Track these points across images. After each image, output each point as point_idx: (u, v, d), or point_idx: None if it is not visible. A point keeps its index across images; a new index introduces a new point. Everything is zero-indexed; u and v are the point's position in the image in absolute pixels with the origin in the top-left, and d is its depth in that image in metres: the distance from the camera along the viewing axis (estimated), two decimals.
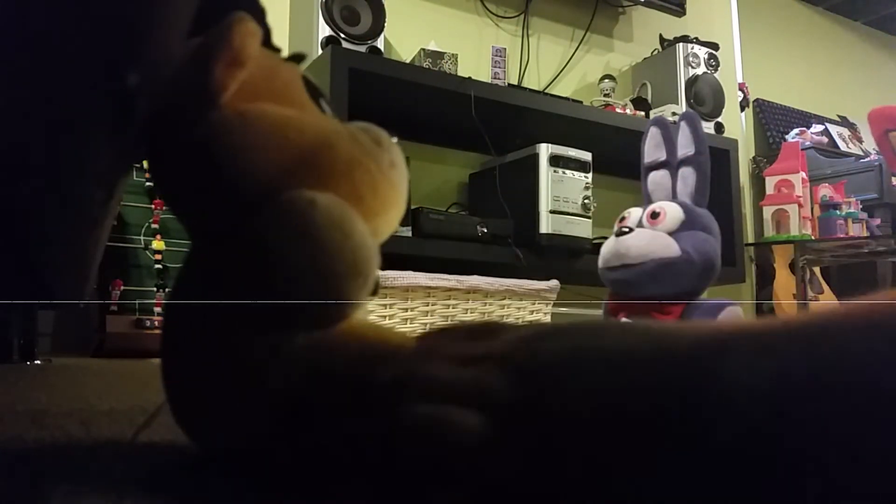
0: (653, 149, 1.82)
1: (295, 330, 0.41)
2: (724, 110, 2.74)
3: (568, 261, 2.16)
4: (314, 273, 0.40)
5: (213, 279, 0.44)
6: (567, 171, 2.13)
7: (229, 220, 0.43)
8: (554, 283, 1.86)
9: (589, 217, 2.17)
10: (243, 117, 0.43)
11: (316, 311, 0.41)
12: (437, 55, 2.20)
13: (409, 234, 1.92)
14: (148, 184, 1.86)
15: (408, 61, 2.26)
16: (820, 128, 3.64)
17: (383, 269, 0.63)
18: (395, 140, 0.50)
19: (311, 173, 0.43)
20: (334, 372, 0.39)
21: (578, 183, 2.15)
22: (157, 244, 1.79)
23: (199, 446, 0.46)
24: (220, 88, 0.42)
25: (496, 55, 2.43)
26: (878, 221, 3.07)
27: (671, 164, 1.77)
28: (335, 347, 0.40)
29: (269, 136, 0.43)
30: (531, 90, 2.42)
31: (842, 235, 2.89)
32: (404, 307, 1.60)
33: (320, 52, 1.95)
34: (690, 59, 2.69)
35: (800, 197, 2.87)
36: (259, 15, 0.54)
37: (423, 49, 2.20)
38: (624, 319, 1.60)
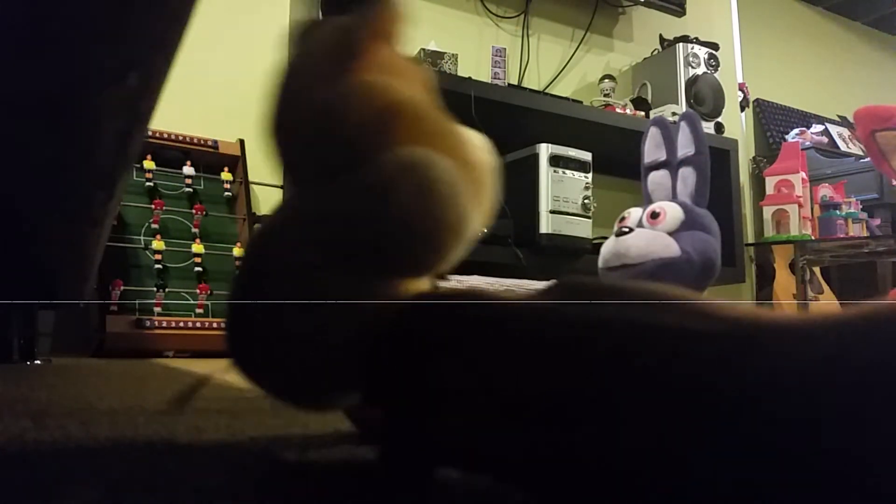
0: (653, 149, 1.82)
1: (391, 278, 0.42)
2: (724, 110, 2.74)
3: (568, 261, 2.16)
4: (419, 221, 0.42)
5: (321, 221, 0.45)
6: (567, 171, 2.13)
7: (345, 170, 0.44)
8: (554, 283, 1.86)
9: (589, 217, 2.17)
10: (373, 85, 0.45)
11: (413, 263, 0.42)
12: (437, 55, 2.20)
13: None
14: (148, 184, 1.86)
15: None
16: (820, 128, 3.64)
17: None
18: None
19: (415, 134, 0.46)
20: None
21: (578, 183, 2.15)
22: (157, 244, 1.79)
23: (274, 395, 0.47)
24: (359, 52, 0.46)
25: (496, 55, 2.43)
26: (878, 221, 3.07)
27: (671, 164, 1.77)
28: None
29: (395, 114, 0.45)
30: (531, 90, 2.42)
31: (842, 235, 2.89)
32: None
33: None
34: (690, 59, 2.69)
35: (800, 197, 2.87)
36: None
37: (423, 49, 2.21)
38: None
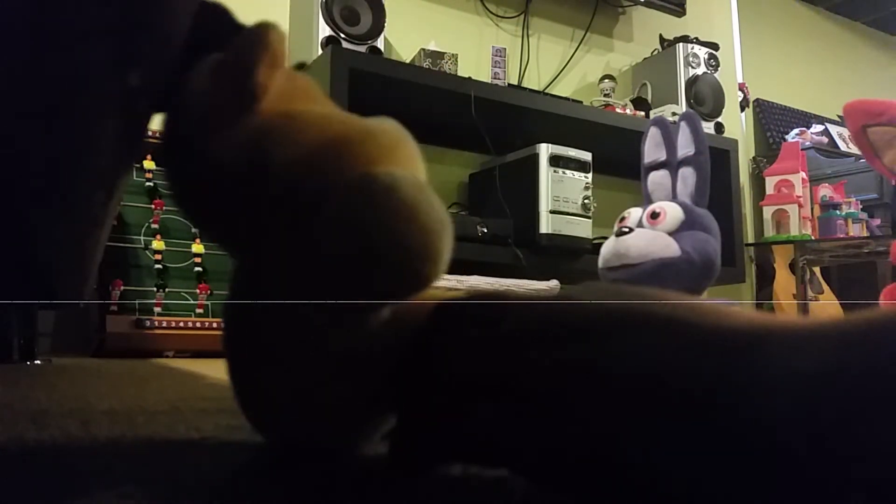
0: (653, 149, 1.82)
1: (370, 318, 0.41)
2: (724, 110, 2.74)
3: (568, 261, 2.16)
4: (403, 240, 0.39)
5: (280, 276, 0.43)
6: (567, 171, 2.13)
7: (291, 217, 0.42)
8: (554, 283, 1.86)
9: (589, 217, 2.17)
10: (288, 117, 0.43)
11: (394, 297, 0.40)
12: (437, 55, 2.20)
13: None
14: (148, 184, 1.86)
15: (408, 61, 2.26)
16: (820, 128, 3.64)
17: None
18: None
19: (359, 163, 0.43)
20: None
21: (578, 183, 2.15)
22: (157, 244, 1.79)
23: (270, 441, 0.47)
24: (262, 91, 0.43)
25: (496, 55, 2.43)
26: (878, 221, 3.07)
27: (671, 164, 1.77)
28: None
29: (318, 130, 0.43)
30: (531, 90, 2.42)
31: (842, 235, 2.89)
32: None
33: (320, 52, 1.95)
34: (690, 59, 2.69)
35: (800, 197, 2.87)
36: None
37: (423, 49, 2.21)
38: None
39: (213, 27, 0.49)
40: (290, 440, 0.45)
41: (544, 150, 2.10)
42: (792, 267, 2.86)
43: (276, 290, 0.42)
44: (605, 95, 2.65)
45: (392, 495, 0.37)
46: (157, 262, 1.78)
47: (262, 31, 0.44)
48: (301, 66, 0.52)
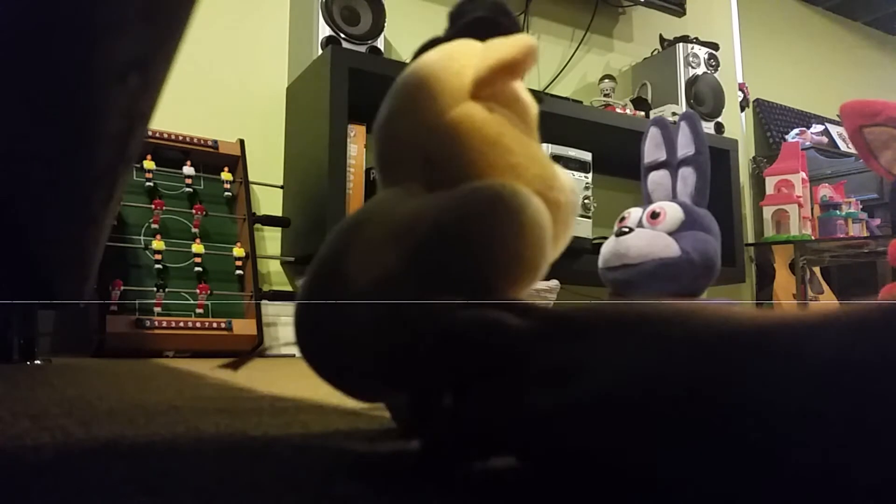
0: (653, 149, 1.82)
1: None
2: (724, 110, 2.74)
3: (568, 261, 2.16)
4: (504, 249, 0.42)
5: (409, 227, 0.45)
6: (567, 171, 2.13)
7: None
8: (554, 282, 1.86)
9: (589, 217, 2.17)
10: (488, 115, 0.47)
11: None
12: None
13: None
14: (148, 184, 1.86)
15: (408, 61, 2.26)
16: (820, 128, 3.64)
17: None
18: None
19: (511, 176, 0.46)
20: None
21: (578, 183, 2.15)
22: (157, 244, 1.79)
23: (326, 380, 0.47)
24: (486, 84, 0.47)
25: None
26: (878, 221, 3.07)
27: (671, 164, 1.77)
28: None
29: (494, 143, 0.47)
30: (531, 90, 2.41)
31: (842, 235, 2.89)
32: None
33: (320, 52, 1.95)
34: (690, 59, 2.69)
35: (800, 197, 2.87)
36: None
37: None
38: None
39: None
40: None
41: (544, 151, 2.10)
42: (792, 267, 2.86)
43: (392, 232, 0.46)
44: (605, 95, 2.65)
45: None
46: (157, 262, 1.79)
47: (523, 40, 0.48)
48: (539, 99, 0.57)
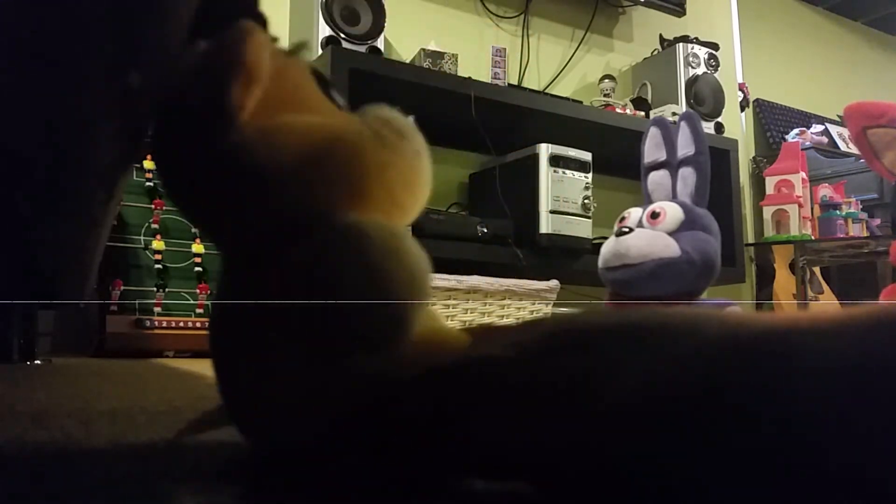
0: (653, 149, 1.82)
1: (355, 351, 0.39)
2: (724, 110, 2.74)
3: (568, 261, 2.16)
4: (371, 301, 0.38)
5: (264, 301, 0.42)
6: (567, 171, 2.13)
7: (269, 246, 0.41)
8: (554, 283, 1.86)
9: (589, 217, 2.17)
10: (265, 134, 0.41)
11: (373, 334, 0.39)
12: (437, 55, 2.20)
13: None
14: (148, 184, 1.86)
15: (408, 61, 2.26)
16: (820, 128, 3.64)
17: None
18: (411, 119, 0.48)
19: (344, 183, 0.42)
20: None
21: (578, 183, 2.15)
22: (157, 244, 1.79)
23: (252, 444, 0.46)
24: (237, 110, 0.40)
25: (496, 55, 2.43)
26: (878, 221, 3.07)
27: (671, 164, 1.77)
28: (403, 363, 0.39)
29: (296, 150, 0.41)
30: (531, 90, 2.42)
31: (842, 235, 2.89)
32: None
33: (320, 52, 1.95)
34: (690, 59, 2.69)
35: (800, 197, 2.87)
36: (260, 19, 0.52)
37: (423, 49, 2.21)
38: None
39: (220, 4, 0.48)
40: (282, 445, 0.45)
41: (544, 150, 2.10)
42: (792, 267, 2.86)
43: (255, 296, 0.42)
44: (605, 95, 2.65)
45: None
46: (157, 262, 1.78)
47: (238, 44, 0.41)
48: (299, 48, 0.50)
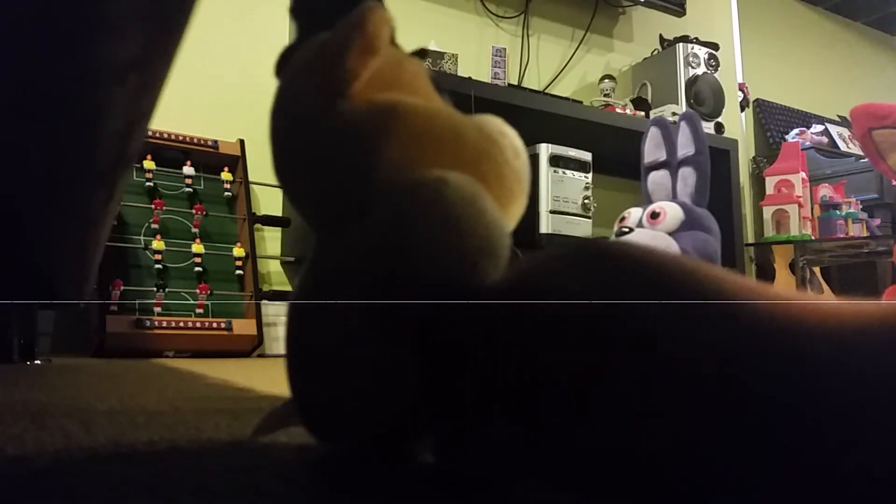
0: (653, 149, 1.82)
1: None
2: (724, 110, 2.74)
3: None
4: (448, 251, 0.38)
5: (342, 269, 0.42)
6: (567, 171, 2.13)
7: (359, 208, 0.41)
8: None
9: (589, 217, 2.17)
10: (374, 107, 0.42)
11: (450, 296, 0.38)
12: (437, 55, 2.20)
13: None
14: (148, 184, 1.86)
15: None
16: (820, 128, 3.64)
17: None
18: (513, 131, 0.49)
19: (439, 161, 0.42)
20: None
21: (578, 183, 2.15)
22: (157, 244, 1.79)
23: (325, 444, 0.45)
24: (352, 76, 0.42)
25: (496, 55, 2.43)
26: (878, 221, 3.07)
27: (671, 165, 1.77)
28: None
29: (399, 125, 0.42)
30: (531, 90, 2.42)
31: (842, 235, 2.89)
32: None
33: None
34: (690, 59, 2.69)
35: (800, 197, 2.87)
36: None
37: (423, 49, 2.20)
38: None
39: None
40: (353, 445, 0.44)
41: (544, 150, 2.10)
42: (792, 267, 2.86)
43: (342, 279, 0.41)
44: (605, 95, 2.65)
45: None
46: (157, 262, 1.79)
47: (361, 15, 0.42)
48: (421, 53, 0.52)
